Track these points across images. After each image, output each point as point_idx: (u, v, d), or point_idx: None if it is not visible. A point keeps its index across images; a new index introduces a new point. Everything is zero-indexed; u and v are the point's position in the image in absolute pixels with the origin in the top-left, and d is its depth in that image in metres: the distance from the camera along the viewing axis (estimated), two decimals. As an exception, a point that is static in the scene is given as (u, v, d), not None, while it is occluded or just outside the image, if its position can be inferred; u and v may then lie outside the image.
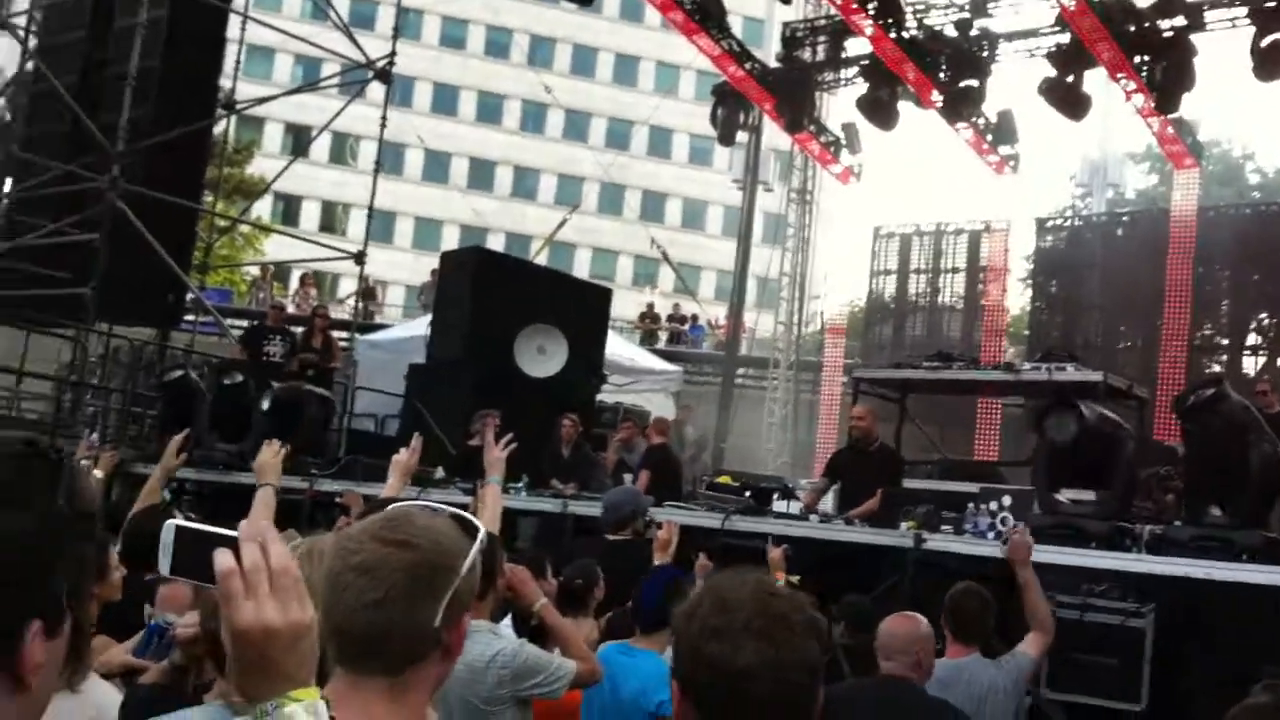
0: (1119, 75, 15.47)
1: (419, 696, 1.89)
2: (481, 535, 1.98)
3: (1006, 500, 8.12)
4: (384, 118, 16.55)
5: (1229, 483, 7.23)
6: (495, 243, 45.38)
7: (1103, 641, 7.21)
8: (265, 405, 11.45)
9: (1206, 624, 7.18)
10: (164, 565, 1.55)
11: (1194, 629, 7.21)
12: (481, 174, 57.07)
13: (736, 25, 18.60)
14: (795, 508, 8.98)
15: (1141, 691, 7.06)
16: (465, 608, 1.93)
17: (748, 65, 18.47)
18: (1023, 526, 6.18)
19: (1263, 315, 17.22)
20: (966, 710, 4.87)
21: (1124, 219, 21.01)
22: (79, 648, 1.43)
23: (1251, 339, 17.34)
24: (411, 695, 1.87)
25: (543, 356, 13.08)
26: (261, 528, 1.51)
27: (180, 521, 1.57)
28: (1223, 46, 15.31)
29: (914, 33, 16.76)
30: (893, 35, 16.43)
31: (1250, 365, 17.10)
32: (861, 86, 18.05)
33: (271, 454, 4.96)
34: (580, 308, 13.91)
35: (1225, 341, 17.39)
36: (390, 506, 2.04)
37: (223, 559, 1.45)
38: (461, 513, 2.04)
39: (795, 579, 6.00)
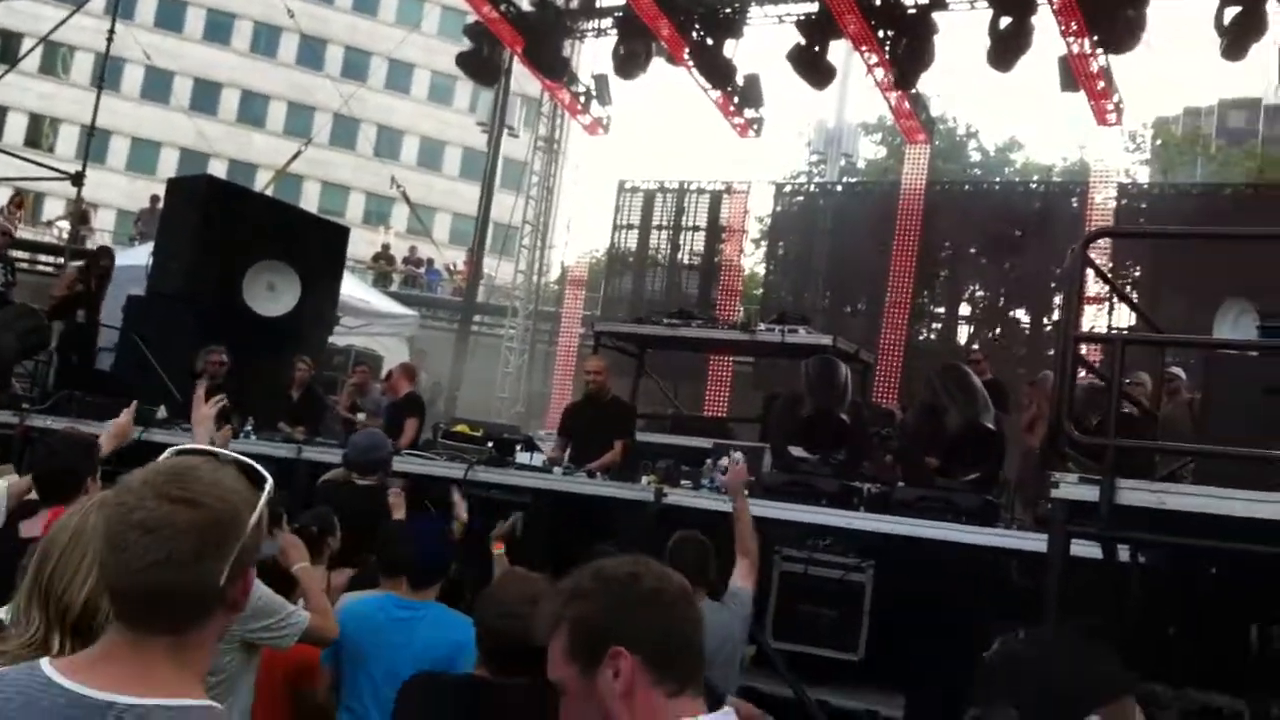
0: (862, 48, 15.98)
1: (202, 653, 1.85)
2: (269, 487, 1.92)
3: (738, 456, 8.31)
4: (111, 32, 15.43)
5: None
6: (218, 169, 43.25)
7: (825, 594, 7.51)
8: None
9: (924, 580, 7.54)
10: None
11: (912, 585, 7.55)
12: (206, 96, 54.16)
13: (488, -39, 18.18)
14: (538, 459, 8.92)
15: (860, 642, 7.39)
16: (251, 562, 1.86)
17: (501, 6, 18.13)
18: (741, 458, 6.27)
19: (975, 287, 18.22)
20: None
21: (856, 189, 21.83)
22: None
23: (964, 309, 18.34)
24: (195, 653, 1.83)
25: (273, 294, 12.53)
26: None
27: None
28: (958, 26, 16.06)
29: (671, -12, 16.85)
30: (650, -12, 16.47)
31: (963, 334, 18.13)
32: (614, 38, 18.04)
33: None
34: (315, 245, 13.37)
35: (941, 310, 18.32)
36: (172, 455, 1.96)
37: None
38: (248, 461, 1.97)
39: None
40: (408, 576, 4.74)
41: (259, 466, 1.96)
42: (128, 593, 1.77)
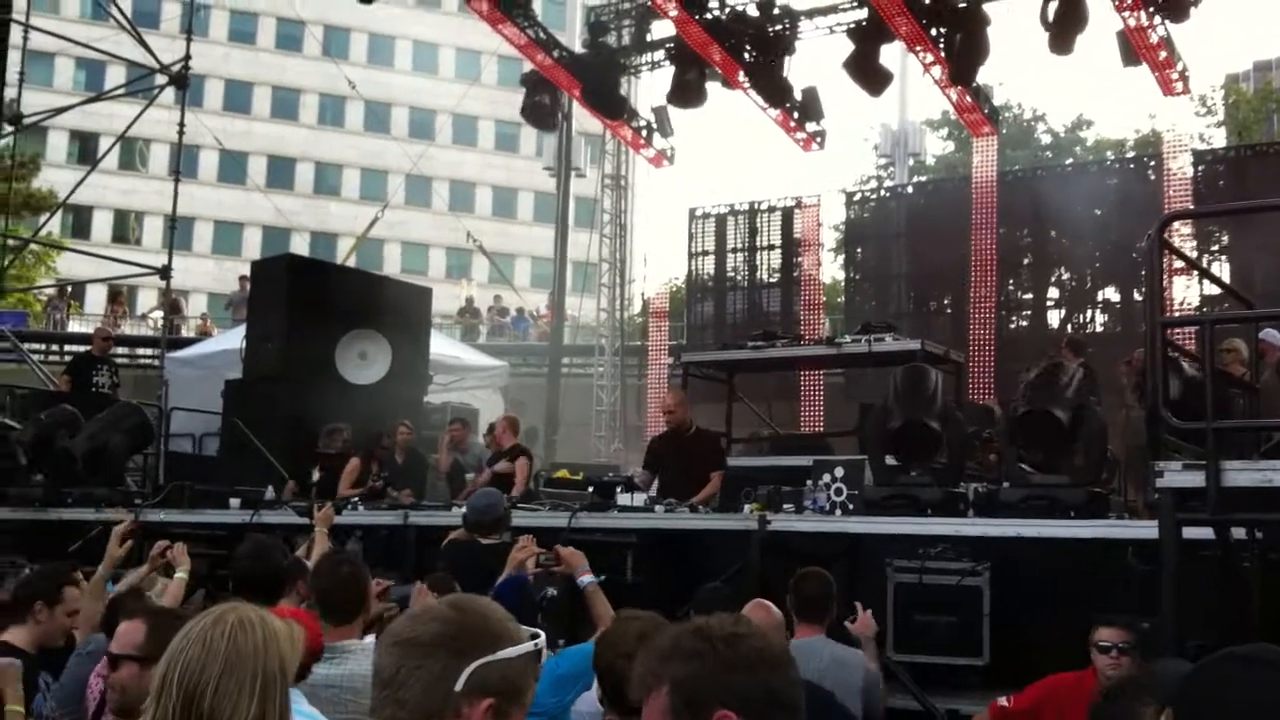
0: (917, 48, 15.88)
1: None
2: None
3: (839, 471, 8.30)
4: (181, 124, 15.91)
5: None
6: (299, 243, 44.19)
7: (942, 601, 7.42)
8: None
9: (1041, 577, 7.45)
10: None
11: (1029, 582, 7.47)
12: (281, 172, 55.53)
13: (536, 8, 18.42)
14: (640, 499, 8.98)
15: (983, 646, 7.29)
16: None
17: (555, 53, 18.34)
18: (869, 612, 6.23)
19: (1061, 270, 17.96)
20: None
21: (928, 188, 21.65)
22: None
23: (1053, 293, 18.08)
24: None
25: (365, 363, 12.84)
26: None
27: None
28: (1011, 11, 15.85)
29: (717, 14, 16.89)
30: (697, 18, 16.51)
31: (1054, 319, 17.87)
32: (669, 70, 18.14)
33: None
34: (400, 309, 13.66)
35: (1029, 297, 18.07)
36: None
37: None
38: None
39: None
40: None
41: None
42: None
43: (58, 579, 5.36)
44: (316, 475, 10.82)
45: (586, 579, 5.53)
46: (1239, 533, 5.79)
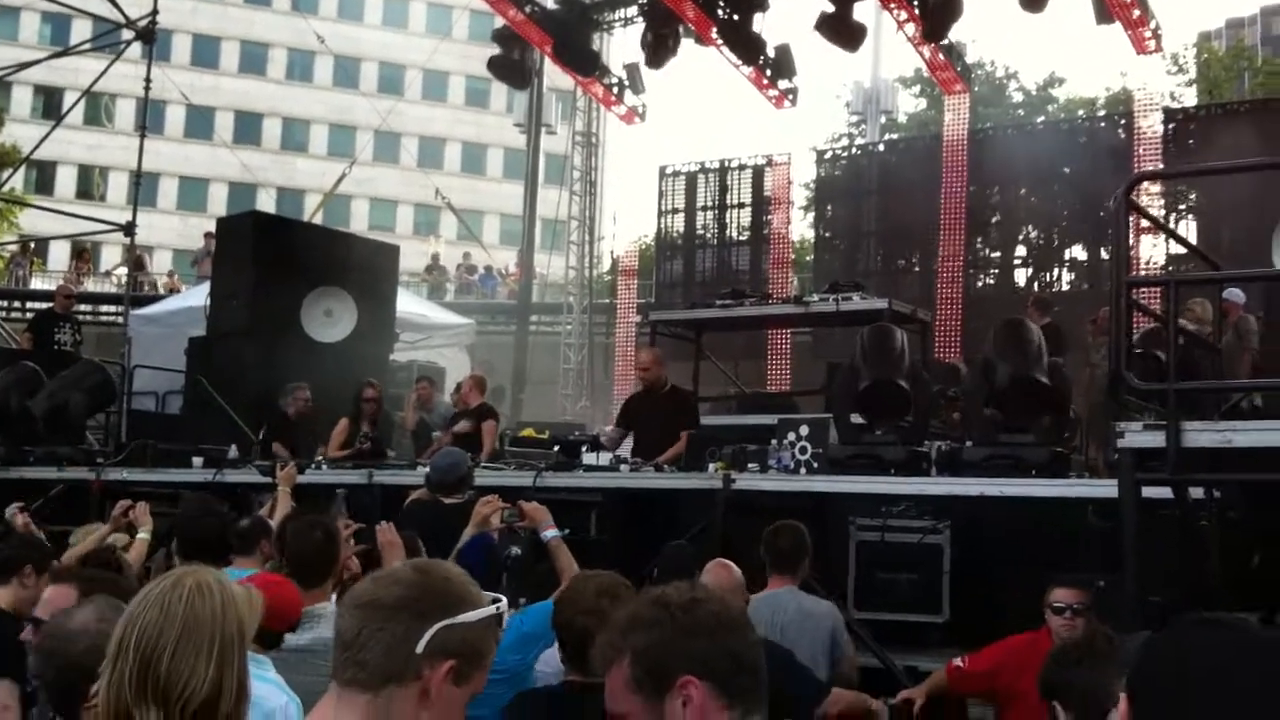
0: (890, 5, 15.80)
1: None
2: None
3: (804, 430, 8.29)
4: (148, 80, 15.65)
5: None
6: (266, 199, 43.75)
7: (903, 559, 7.47)
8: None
9: (1002, 534, 7.49)
10: None
11: (990, 540, 7.51)
12: (248, 127, 54.94)
13: (509, -38, 18.21)
14: (605, 458, 8.95)
15: (943, 603, 7.34)
16: None
17: (527, 8, 18.16)
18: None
19: (1030, 228, 17.98)
20: (771, 635, 5.00)
21: (899, 146, 21.58)
22: None
23: (1020, 251, 18.11)
24: None
25: (330, 320, 12.74)
26: None
27: None
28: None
29: (692, -31, 16.74)
30: (671, -27, 16.39)
31: (1021, 277, 17.89)
32: (641, 26, 18.01)
33: None
34: (366, 267, 13.56)
35: (997, 255, 18.09)
36: None
37: None
38: None
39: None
40: None
41: None
42: None
43: (49, 550, 5.31)
44: (261, 434, 10.76)
45: (551, 533, 5.52)
46: (1197, 492, 5.83)
